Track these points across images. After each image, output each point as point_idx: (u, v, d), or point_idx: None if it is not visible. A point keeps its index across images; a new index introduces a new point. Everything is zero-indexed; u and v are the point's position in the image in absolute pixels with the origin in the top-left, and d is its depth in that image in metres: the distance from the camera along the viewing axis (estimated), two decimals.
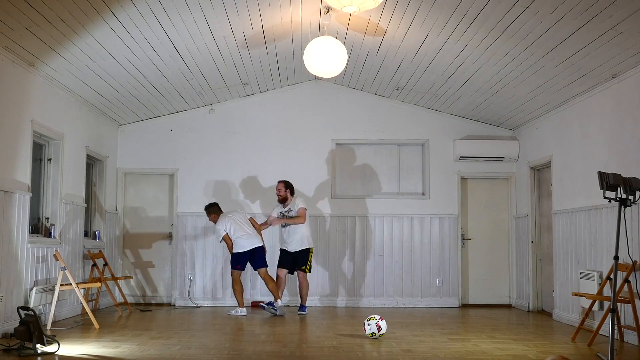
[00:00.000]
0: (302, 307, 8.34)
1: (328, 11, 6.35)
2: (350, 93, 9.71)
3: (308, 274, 8.41)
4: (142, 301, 9.47)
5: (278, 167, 9.56)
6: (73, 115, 7.90)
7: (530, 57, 6.61)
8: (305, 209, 8.33)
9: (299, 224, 8.24)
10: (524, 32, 6.00)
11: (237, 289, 8.24)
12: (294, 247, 8.29)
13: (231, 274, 8.34)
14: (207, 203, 8.73)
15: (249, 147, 9.62)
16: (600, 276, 6.89)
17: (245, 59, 7.76)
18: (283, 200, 8.43)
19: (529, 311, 9.00)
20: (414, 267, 9.53)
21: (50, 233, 7.34)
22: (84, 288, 7.72)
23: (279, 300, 8.13)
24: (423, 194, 9.74)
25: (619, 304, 6.29)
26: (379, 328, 6.21)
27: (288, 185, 8.46)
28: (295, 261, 8.30)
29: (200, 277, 9.38)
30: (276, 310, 8.04)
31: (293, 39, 7.30)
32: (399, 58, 7.60)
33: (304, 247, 8.27)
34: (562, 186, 8.01)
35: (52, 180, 7.47)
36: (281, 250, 8.48)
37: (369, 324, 6.23)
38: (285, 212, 8.39)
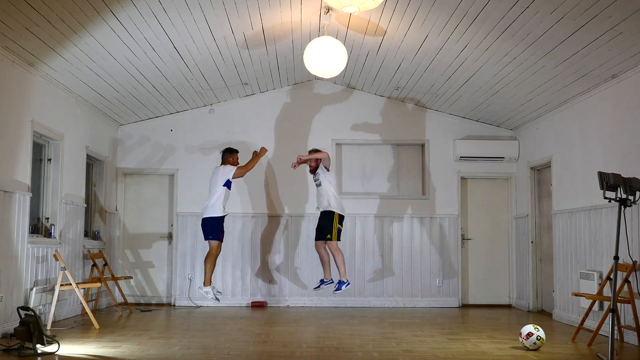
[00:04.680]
0: (340, 282, 7.74)
1: (328, 11, 6.35)
2: (350, 93, 9.71)
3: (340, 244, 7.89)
4: (142, 301, 9.47)
5: (278, 167, 9.56)
6: (73, 115, 7.90)
7: (530, 57, 6.61)
8: (327, 153, 7.89)
9: (320, 156, 7.81)
10: (524, 33, 6.00)
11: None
12: (320, 207, 7.90)
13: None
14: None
15: (249, 147, 9.60)
16: (600, 276, 6.89)
17: (245, 59, 7.76)
18: (314, 171, 7.97)
19: (529, 311, 8.99)
20: (414, 267, 9.53)
21: (50, 233, 7.34)
22: (84, 288, 7.72)
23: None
24: (423, 194, 9.74)
25: (619, 304, 6.29)
26: (530, 334, 5.72)
27: (315, 150, 7.99)
28: (322, 230, 7.82)
29: (200, 277, 9.34)
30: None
31: (293, 39, 7.30)
32: (399, 58, 7.60)
33: (328, 209, 7.73)
34: (562, 186, 8.01)
35: (52, 180, 7.47)
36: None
37: (528, 343, 5.73)
38: (315, 180, 7.96)
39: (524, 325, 5.88)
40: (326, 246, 7.87)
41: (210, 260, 7.75)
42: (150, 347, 5.69)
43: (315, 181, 8.06)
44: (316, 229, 8.05)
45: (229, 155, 8.02)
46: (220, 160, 8.22)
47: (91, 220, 8.85)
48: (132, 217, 9.65)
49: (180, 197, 9.53)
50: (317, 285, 8.22)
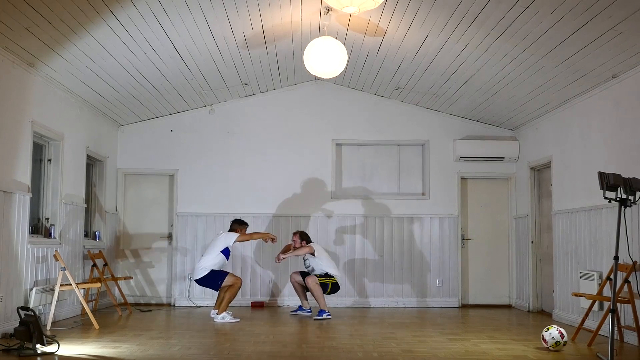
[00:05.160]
0: (321, 311, 7.91)
1: (328, 11, 6.35)
2: (350, 93, 9.71)
3: (327, 294, 8.09)
4: (141, 301, 9.47)
5: (278, 168, 9.56)
6: (73, 116, 7.90)
7: (530, 57, 6.61)
8: (311, 247, 8.07)
9: (300, 254, 8.12)
10: (524, 33, 6.00)
11: None
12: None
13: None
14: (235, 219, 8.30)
15: (249, 147, 9.62)
16: (600, 276, 6.89)
17: (245, 59, 7.76)
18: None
19: (529, 311, 8.99)
20: (414, 268, 9.53)
21: (50, 233, 7.34)
22: (84, 288, 7.72)
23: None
24: (423, 194, 9.74)
25: (618, 304, 6.29)
26: (562, 335, 5.72)
27: (303, 237, 8.27)
28: (312, 272, 8.17)
29: None
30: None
31: (293, 39, 7.29)
32: (399, 58, 7.60)
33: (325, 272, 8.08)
34: (562, 186, 8.01)
35: (52, 180, 7.47)
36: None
37: (549, 334, 5.73)
38: (307, 267, 8.25)
39: (525, 325, 5.87)
40: (305, 279, 8.01)
41: (232, 291, 7.72)
42: (150, 347, 5.69)
43: (306, 267, 8.29)
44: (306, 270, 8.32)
45: (237, 225, 8.08)
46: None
47: (91, 220, 8.85)
48: (132, 217, 9.65)
49: (180, 197, 9.53)
50: (295, 310, 8.37)
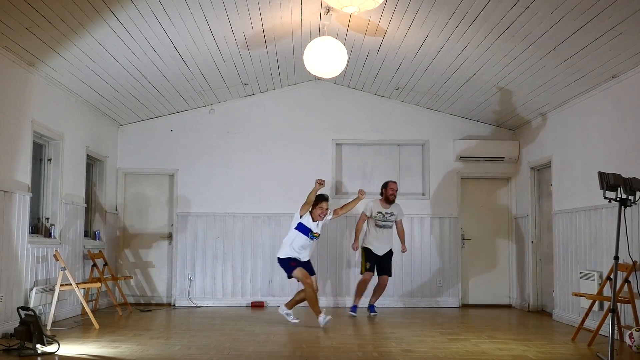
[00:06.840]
0: (372, 306, 8.42)
1: (328, 11, 6.35)
2: (351, 93, 9.71)
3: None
4: (142, 301, 9.47)
5: (278, 168, 9.56)
6: (73, 115, 7.90)
7: (531, 58, 6.62)
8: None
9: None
10: (524, 33, 6.00)
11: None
12: (383, 251, 8.27)
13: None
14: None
15: (249, 147, 9.62)
16: (600, 276, 6.89)
17: (245, 59, 7.77)
18: (393, 201, 8.31)
19: (529, 311, 8.99)
20: (414, 267, 9.53)
21: (50, 233, 7.35)
22: (84, 288, 7.72)
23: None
24: (423, 194, 9.74)
25: (619, 304, 6.29)
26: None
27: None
28: (381, 264, 8.27)
29: (200, 277, 9.38)
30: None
31: (293, 39, 7.30)
32: (399, 58, 7.61)
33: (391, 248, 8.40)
34: (562, 186, 8.01)
35: (52, 180, 7.47)
36: (367, 249, 8.25)
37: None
38: (388, 213, 8.24)
39: (525, 325, 5.87)
40: (383, 277, 8.32)
41: (302, 295, 7.34)
42: (150, 347, 5.69)
43: (388, 220, 8.32)
44: (379, 264, 8.31)
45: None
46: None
47: (91, 220, 8.85)
48: (132, 217, 9.65)
49: (180, 197, 9.53)
50: (353, 309, 8.33)
